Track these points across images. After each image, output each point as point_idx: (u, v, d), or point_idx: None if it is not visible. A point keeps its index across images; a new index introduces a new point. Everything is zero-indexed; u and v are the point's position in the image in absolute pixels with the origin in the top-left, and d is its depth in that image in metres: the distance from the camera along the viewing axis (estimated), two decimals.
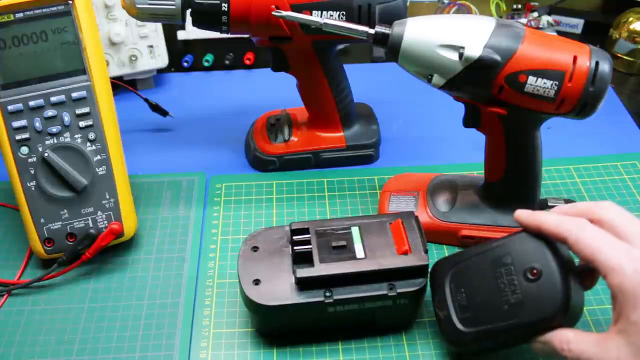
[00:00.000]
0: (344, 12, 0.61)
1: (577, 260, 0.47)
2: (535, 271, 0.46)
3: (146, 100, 0.77)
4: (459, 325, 0.50)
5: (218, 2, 0.59)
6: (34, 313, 0.58)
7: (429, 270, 0.53)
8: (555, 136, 0.67)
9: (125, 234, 0.61)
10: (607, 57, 0.51)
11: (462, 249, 0.59)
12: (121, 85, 0.78)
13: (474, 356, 0.54)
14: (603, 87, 0.50)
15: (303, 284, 0.51)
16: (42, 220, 0.59)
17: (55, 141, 0.59)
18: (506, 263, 0.48)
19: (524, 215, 0.48)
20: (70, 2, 0.59)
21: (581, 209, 0.47)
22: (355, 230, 0.54)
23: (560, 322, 0.45)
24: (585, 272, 0.48)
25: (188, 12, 0.61)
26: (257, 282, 0.52)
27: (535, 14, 0.93)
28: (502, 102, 0.52)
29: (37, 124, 0.59)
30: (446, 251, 0.63)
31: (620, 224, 0.44)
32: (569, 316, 0.45)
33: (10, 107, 0.58)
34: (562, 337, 0.45)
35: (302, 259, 0.52)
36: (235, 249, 0.63)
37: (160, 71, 0.85)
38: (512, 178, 0.59)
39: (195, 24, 0.62)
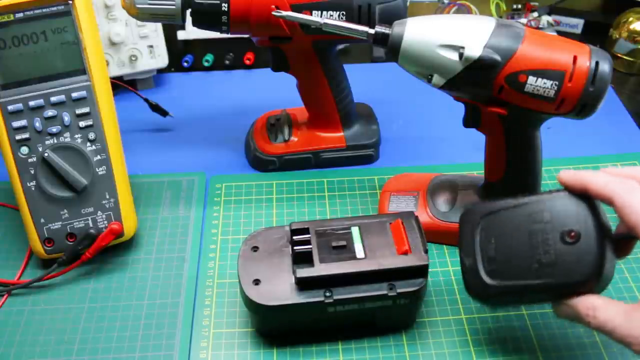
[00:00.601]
0: (344, 12, 0.61)
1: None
2: (573, 234, 0.45)
3: (146, 100, 0.77)
4: (485, 277, 0.49)
5: (218, 2, 0.59)
6: (34, 313, 0.58)
7: (463, 214, 0.52)
8: (555, 136, 0.67)
9: (125, 234, 0.61)
10: (607, 57, 0.51)
11: None
12: (121, 85, 0.78)
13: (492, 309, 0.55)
14: (603, 87, 0.50)
15: (303, 284, 0.51)
16: (42, 220, 0.59)
17: (55, 141, 0.59)
18: (543, 221, 0.47)
19: (568, 174, 0.46)
20: (70, 2, 0.59)
21: (632, 172, 0.44)
22: (355, 230, 0.54)
23: (590, 287, 0.45)
24: (623, 240, 0.47)
25: (188, 12, 0.61)
26: (257, 282, 0.52)
27: (535, 14, 0.94)
28: (502, 102, 0.52)
29: (37, 124, 0.59)
30: (446, 251, 0.63)
31: None
32: (600, 283, 0.45)
33: (10, 107, 0.58)
34: (589, 303, 0.44)
35: (302, 259, 0.52)
36: (235, 249, 0.63)
37: (160, 71, 0.85)
38: (512, 178, 0.59)
39: (195, 24, 0.62)
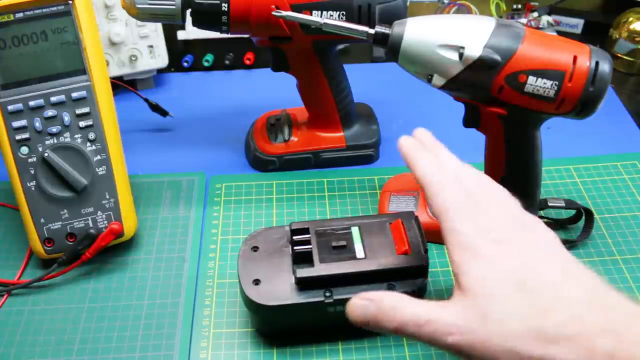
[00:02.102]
0: (344, 12, 0.61)
1: None
2: None
3: (146, 100, 0.77)
4: None
5: (218, 2, 0.59)
6: (34, 313, 0.58)
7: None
8: (555, 136, 0.67)
9: (125, 234, 0.61)
10: (607, 57, 0.51)
11: None
12: (121, 85, 0.78)
13: None
14: (603, 87, 0.50)
15: (303, 284, 0.51)
16: (42, 220, 0.59)
17: (55, 141, 0.59)
18: None
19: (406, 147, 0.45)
20: (70, 2, 0.59)
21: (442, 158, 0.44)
22: (355, 230, 0.54)
23: None
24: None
25: (188, 12, 0.61)
26: (257, 282, 0.52)
27: (535, 14, 0.93)
28: (502, 102, 0.52)
29: (37, 124, 0.59)
30: (446, 251, 0.63)
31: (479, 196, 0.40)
32: None
33: (10, 107, 0.58)
34: (395, 299, 0.38)
35: (302, 259, 0.53)
36: (235, 249, 0.63)
37: (160, 71, 0.85)
38: (512, 178, 0.58)
39: (195, 24, 0.62)
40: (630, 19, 0.87)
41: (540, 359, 0.32)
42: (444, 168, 0.42)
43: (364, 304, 0.39)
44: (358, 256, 0.52)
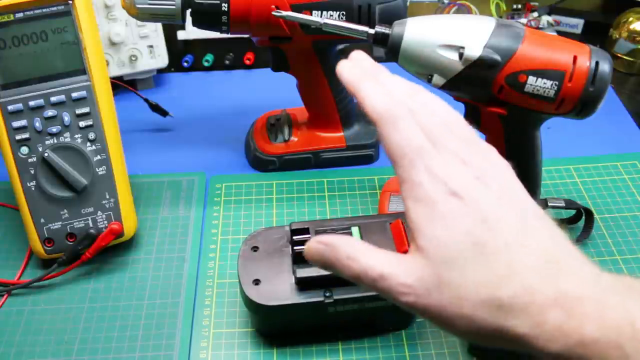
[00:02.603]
0: (344, 12, 0.61)
1: None
2: None
3: (146, 100, 0.77)
4: None
5: (218, 2, 0.59)
6: (34, 313, 0.58)
7: None
8: (555, 136, 0.67)
9: (125, 234, 0.61)
10: (607, 57, 0.51)
11: None
12: (121, 85, 0.78)
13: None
14: (603, 87, 0.50)
15: (303, 284, 0.51)
16: (42, 220, 0.59)
17: (55, 141, 0.59)
18: None
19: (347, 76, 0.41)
20: (70, 2, 0.59)
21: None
22: (355, 230, 0.54)
23: None
24: None
25: (188, 12, 0.61)
26: (257, 282, 0.52)
27: (535, 14, 0.93)
28: (502, 102, 0.52)
29: (37, 124, 0.59)
30: None
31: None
32: None
33: (10, 107, 0.58)
34: (351, 245, 0.37)
35: (302, 259, 0.52)
36: (235, 249, 0.63)
37: (160, 71, 0.85)
38: None
39: (195, 24, 0.62)
40: (630, 19, 0.87)
41: (494, 328, 0.32)
42: (394, 100, 0.38)
43: (320, 248, 0.38)
44: None
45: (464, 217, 0.34)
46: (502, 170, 0.38)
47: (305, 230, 0.54)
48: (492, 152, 0.39)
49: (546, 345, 0.31)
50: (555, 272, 0.33)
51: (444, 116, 0.38)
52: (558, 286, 0.32)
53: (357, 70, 0.41)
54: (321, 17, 0.58)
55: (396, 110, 0.37)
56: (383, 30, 0.52)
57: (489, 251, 0.33)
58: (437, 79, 0.52)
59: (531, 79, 0.50)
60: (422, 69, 0.52)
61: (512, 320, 0.32)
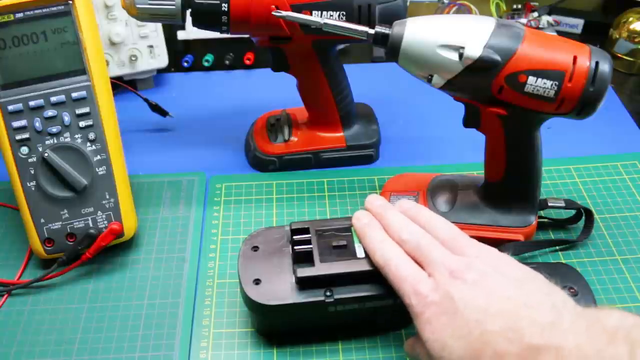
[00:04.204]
0: (344, 12, 0.61)
1: None
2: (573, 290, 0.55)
3: (146, 100, 0.77)
4: None
5: (218, 2, 0.59)
6: (34, 313, 0.58)
7: None
8: (555, 136, 0.67)
9: (125, 234, 0.61)
10: (607, 57, 0.51)
11: None
12: (121, 85, 0.78)
13: None
14: (603, 87, 0.50)
15: (303, 284, 0.51)
16: (42, 220, 0.59)
17: (55, 141, 0.59)
18: None
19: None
20: (70, 2, 0.59)
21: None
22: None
23: None
24: None
25: (188, 12, 0.61)
26: (257, 281, 0.52)
27: (535, 14, 0.93)
28: (502, 102, 0.52)
29: (37, 124, 0.59)
30: None
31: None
32: None
33: (10, 107, 0.58)
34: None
35: (302, 258, 0.52)
36: (235, 249, 0.63)
37: (160, 71, 0.85)
38: (512, 178, 0.59)
39: (195, 24, 0.62)
40: (630, 19, 0.87)
41: None
42: (387, 243, 0.49)
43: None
44: (358, 256, 0.52)
45: (446, 326, 0.43)
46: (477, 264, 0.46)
47: (305, 230, 0.54)
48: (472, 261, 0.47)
49: None
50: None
51: (428, 245, 0.48)
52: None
53: (365, 221, 0.52)
54: (321, 17, 0.58)
55: (391, 255, 0.48)
56: (383, 31, 0.52)
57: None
58: (437, 79, 0.52)
59: (531, 79, 0.50)
60: (422, 69, 0.52)
61: None
